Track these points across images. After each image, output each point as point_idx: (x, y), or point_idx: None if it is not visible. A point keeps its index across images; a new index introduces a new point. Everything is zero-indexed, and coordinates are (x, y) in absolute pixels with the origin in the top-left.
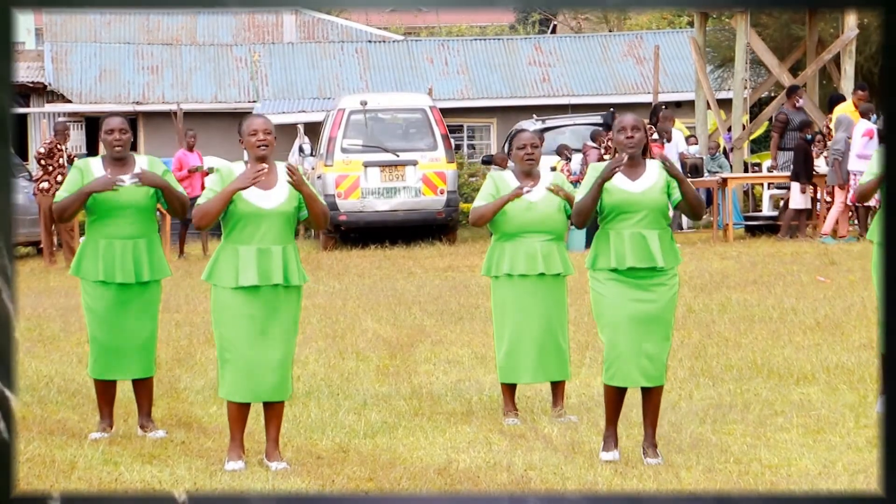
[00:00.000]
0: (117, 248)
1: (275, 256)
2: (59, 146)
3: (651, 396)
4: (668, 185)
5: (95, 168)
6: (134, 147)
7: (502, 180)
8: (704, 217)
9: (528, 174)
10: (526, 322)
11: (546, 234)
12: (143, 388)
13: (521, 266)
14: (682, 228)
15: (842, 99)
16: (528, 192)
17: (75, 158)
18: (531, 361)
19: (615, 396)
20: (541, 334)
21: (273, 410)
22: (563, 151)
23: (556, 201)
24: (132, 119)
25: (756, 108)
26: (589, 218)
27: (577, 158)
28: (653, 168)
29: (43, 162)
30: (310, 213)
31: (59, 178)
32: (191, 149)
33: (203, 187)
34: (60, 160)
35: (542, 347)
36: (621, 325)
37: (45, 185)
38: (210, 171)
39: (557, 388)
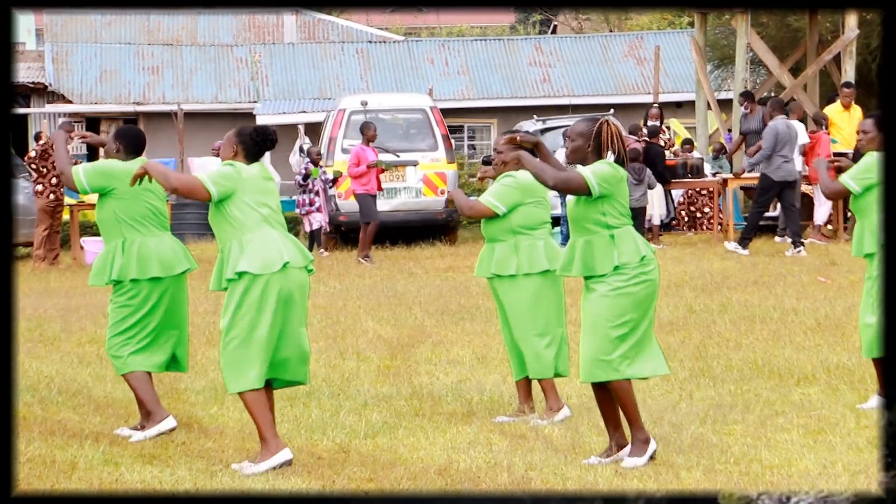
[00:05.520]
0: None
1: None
2: (53, 147)
3: (611, 392)
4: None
5: None
6: None
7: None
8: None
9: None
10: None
11: (485, 237)
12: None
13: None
14: (669, 228)
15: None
16: None
17: (76, 161)
18: (510, 360)
19: (594, 394)
20: (505, 335)
21: None
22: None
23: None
24: (132, 119)
25: None
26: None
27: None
28: None
29: (35, 165)
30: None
31: (54, 180)
32: (369, 143)
33: (380, 183)
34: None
35: (507, 347)
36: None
37: (39, 187)
38: (388, 167)
39: (520, 384)
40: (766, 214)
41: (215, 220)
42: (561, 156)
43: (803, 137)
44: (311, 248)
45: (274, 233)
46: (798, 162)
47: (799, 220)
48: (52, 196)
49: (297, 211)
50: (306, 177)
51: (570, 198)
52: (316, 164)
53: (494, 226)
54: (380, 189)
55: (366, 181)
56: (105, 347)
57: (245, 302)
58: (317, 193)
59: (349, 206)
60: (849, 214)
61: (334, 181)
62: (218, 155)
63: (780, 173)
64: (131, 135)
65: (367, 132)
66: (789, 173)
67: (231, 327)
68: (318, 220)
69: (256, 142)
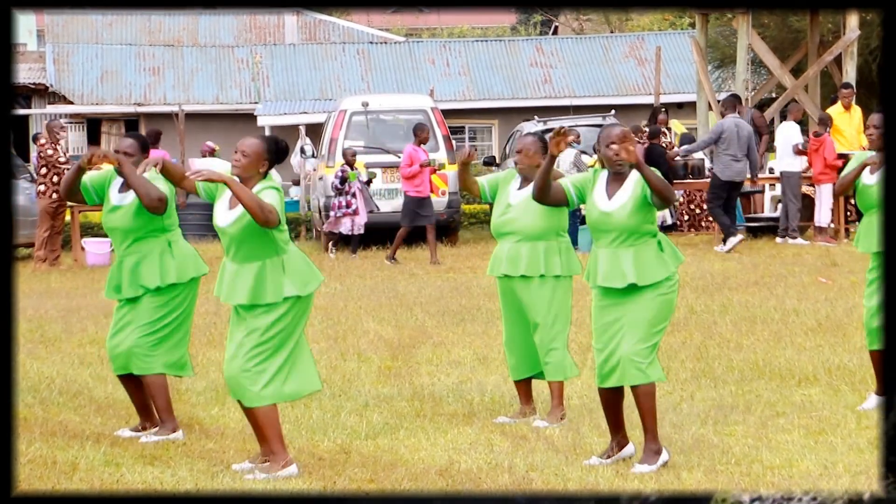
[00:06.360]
0: (112, 266)
1: (228, 274)
2: (52, 145)
3: (635, 397)
4: (644, 198)
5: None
6: None
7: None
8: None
9: (527, 179)
10: (504, 322)
11: (514, 235)
12: (142, 386)
13: (490, 268)
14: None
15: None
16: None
17: (70, 161)
18: (509, 360)
19: (602, 398)
20: (509, 334)
21: (248, 413)
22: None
23: (535, 205)
24: (133, 120)
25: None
26: (543, 191)
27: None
28: (630, 182)
29: (44, 170)
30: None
31: (55, 178)
32: (421, 143)
33: (432, 184)
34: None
35: (510, 347)
36: (597, 330)
37: (41, 188)
38: (441, 167)
39: (520, 386)
40: (766, 215)
41: (249, 236)
42: (567, 157)
43: (797, 137)
44: (335, 247)
45: (299, 251)
46: (797, 163)
47: (731, 220)
48: (54, 196)
49: (332, 213)
50: (343, 180)
51: (621, 207)
52: (351, 165)
53: (550, 220)
54: (432, 190)
55: (418, 182)
56: (133, 346)
57: (280, 323)
58: (353, 195)
59: None
60: (850, 216)
61: (368, 183)
62: (206, 156)
63: (728, 173)
64: (144, 138)
65: (421, 133)
66: (737, 173)
67: (258, 345)
68: (358, 224)
69: (279, 157)
